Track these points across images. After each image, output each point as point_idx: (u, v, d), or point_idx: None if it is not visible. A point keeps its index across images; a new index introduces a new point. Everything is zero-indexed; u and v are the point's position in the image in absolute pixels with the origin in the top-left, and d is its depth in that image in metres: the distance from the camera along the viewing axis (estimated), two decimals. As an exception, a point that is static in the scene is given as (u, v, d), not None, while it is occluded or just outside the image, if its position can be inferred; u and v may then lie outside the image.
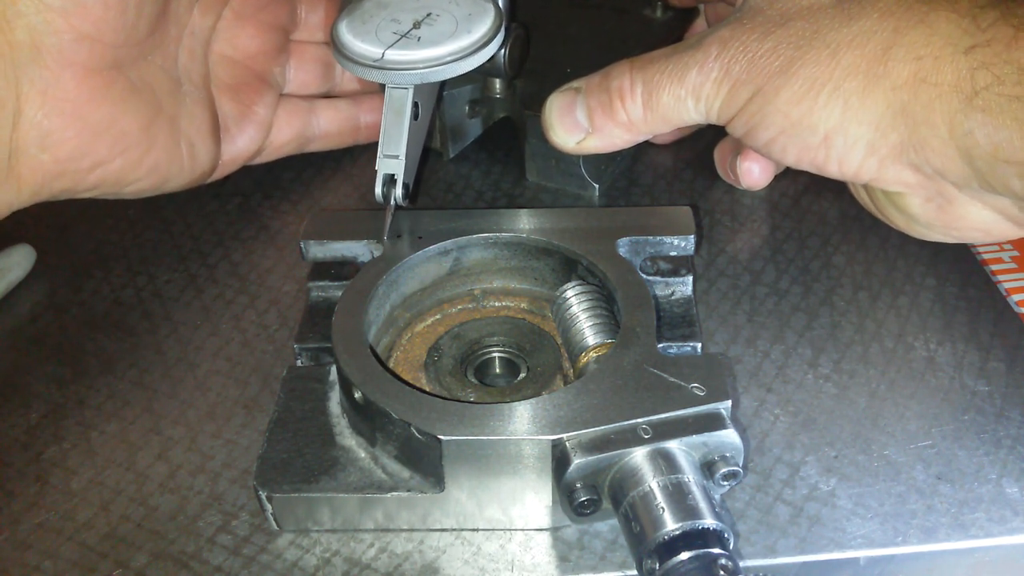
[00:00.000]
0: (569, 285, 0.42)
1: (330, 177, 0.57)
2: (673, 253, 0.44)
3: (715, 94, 0.44)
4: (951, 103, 0.39)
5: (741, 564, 0.34)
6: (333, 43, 0.46)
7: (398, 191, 0.45)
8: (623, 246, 0.44)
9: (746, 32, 0.43)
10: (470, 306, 0.46)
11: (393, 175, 0.45)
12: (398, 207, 0.45)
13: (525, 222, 0.45)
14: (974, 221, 0.44)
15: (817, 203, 0.54)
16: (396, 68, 0.44)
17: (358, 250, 0.44)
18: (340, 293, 0.42)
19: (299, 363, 0.42)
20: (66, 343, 0.47)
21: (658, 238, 0.44)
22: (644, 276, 0.43)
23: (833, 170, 0.44)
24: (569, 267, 0.44)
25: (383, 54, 0.44)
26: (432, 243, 0.44)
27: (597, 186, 0.55)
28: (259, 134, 0.53)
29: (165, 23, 0.47)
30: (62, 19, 0.41)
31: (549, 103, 0.48)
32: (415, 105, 0.45)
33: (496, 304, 0.46)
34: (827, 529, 0.37)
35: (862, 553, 0.37)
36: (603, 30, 0.60)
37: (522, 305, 0.46)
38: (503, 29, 0.46)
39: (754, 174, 0.53)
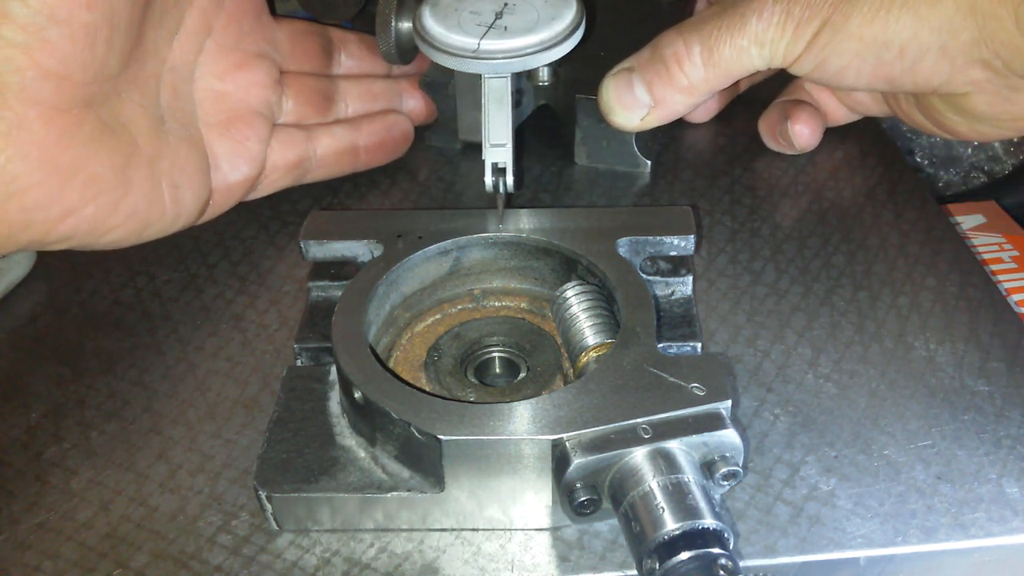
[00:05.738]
0: (569, 285, 0.42)
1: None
2: (673, 253, 0.44)
3: (780, 36, 0.46)
4: None
5: (741, 564, 0.34)
6: (422, 38, 0.45)
7: (508, 179, 0.44)
8: (623, 246, 0.44)
9: None
10: (470, 306, 0.46)
11: (502, 164, 0.45)
12: (508, 195, 0.45)
13: (525, 222, 0.45)
14: None
15: (817, 203, 0.54)
16: (494, 57, 0.44)
17: (358, 250, 0.44)
18: (340, 293, 0.42)
19: (299, 363, 0.42)
20: (66, 343, 0.47)
21: (658, 238, 0.44)
22: (644, 276, 0.43)
23: (906, 82, 0.46)
24: (569, 267, 0.44)
25: (479, 45, 0.44)
26: (432, 243, 0.44)
27: (650, 162, 0.56)
28: (253, 170, 0.50)
29: (141, 58, 0.44)
30: (24, 55, 0.37)
31: (604, 87, 0.49)
32: (516, 92, 0.46)
33: (496, 304, 0.46)
34: (827, 529, 0.37)
35: (862, 553, 0.37)
36: (615, 14, 0.61)
37: (522, 305, 0.46)
38: (585, 14, 0.46)
39: (805, 136, 0.55)
